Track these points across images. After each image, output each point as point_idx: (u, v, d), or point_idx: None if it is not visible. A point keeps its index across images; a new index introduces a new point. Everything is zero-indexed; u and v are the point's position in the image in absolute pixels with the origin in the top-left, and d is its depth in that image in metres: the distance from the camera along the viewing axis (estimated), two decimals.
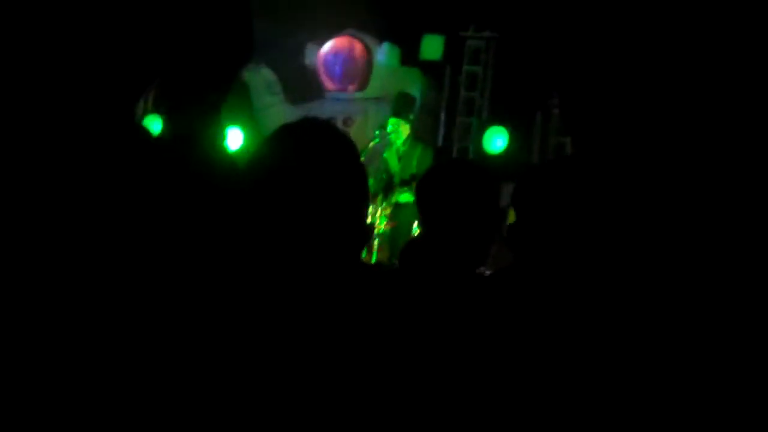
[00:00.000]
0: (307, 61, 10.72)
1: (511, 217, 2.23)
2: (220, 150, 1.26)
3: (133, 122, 1.08)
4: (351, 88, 10.54)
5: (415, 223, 7.70)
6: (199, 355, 1.22)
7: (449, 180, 2.49)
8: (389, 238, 7.57)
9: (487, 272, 2.85)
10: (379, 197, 7.63)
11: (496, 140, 9.25)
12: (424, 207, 2.53)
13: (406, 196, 7.74)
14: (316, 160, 1.70)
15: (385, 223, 7.63)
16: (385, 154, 7.90)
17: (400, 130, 7.71)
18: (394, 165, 7.82)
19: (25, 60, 0.91)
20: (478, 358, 2.05)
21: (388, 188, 7.77)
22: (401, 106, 7.83)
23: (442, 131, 10.42)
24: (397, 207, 7.70)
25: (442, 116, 10.48)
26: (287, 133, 1.77)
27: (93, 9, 0.90)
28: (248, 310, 1.44)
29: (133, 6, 0.89)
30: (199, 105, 1.29)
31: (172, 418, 1.17)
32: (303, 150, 1.71)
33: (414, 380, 1.86)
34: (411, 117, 7.82)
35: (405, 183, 7.77)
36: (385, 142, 7.91)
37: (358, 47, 10.52)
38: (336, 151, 1.75)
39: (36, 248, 0.92)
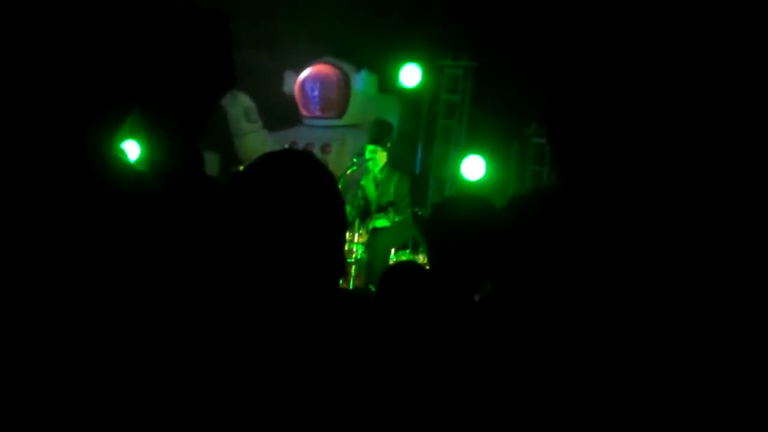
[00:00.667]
0: (286, 88, 10.75)
1: None
2: (203, 176, 1.26)
3: (108, 147, 1.08)
4: (329, 115, 10.56)
5: (392, 250, 7.71)
6: (177, 383, 1.21)
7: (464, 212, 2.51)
8: (366, 264, 7.58)
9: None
10: (356, 223, 7.64)
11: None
12: (435, 237, 2.55)
13: (382, 222, 7.76)
14: (295, 189, 1.70)
15: (361, 249, 7.64)
16: (362, 181, 7.92)
17: (377, 158, 7.74)
18: (371, 192, 7.85)
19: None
20: (457, 384, 2.06)
21: (364, 215, 7.79)
22: (379, 134, 7.86)
23: (419, 159, 10.47)
24: (374, 233, 7.71)
25: (420, 144, 10.53)
26: (268, 162, 1.77)
27: (74, 31, 0.90)
28: (225, 340, 1.44)
29: (114, 31, 0.89)
30: (178, 131, 1.29)
31: None
32: (283, 179, 1.71)
33: (392, 405, 1.86)
34: (389, 145, 7.85)
35: (382, 209, 7.79)
36: (363, 170, 7.93)
37: (336, 75, 10.56)
38: (315, 181, 1.75)
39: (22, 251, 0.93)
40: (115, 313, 1.06)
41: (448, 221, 2.51)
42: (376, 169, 7.81)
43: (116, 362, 1.06)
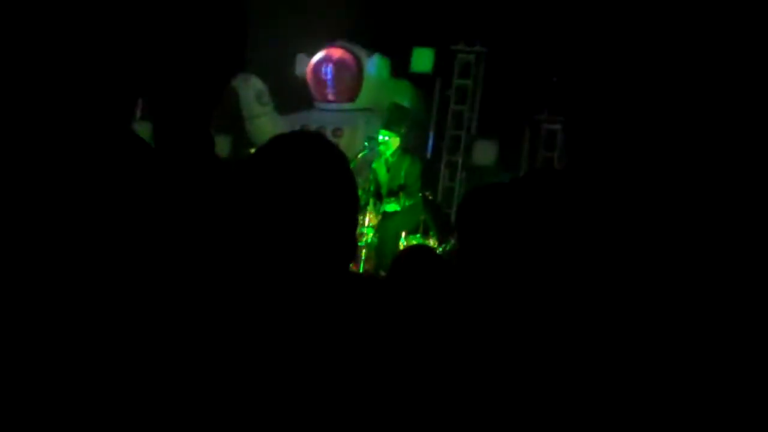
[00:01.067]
0: (298, 71, 10.74)
1: None
2: (214, 158, 1.27)
3: (128, 128, 1.09)
4: (341, 99, 10.55)
5: (403, 234, 7.71)
6: (186, 368, 1.22)
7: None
8: (376, 248, 7.59)
9: None
10: (368, 207, 7.64)
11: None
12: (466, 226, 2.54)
13: (393, 206, 7.75)
14: (308, 171, 1.71)
15: (372, 233, 7.64)
16: (374, 165, 7.91)
17: (389, 142, 7.72)
18: (382, 175, 7.84)
19: (21, 62, 0.93)
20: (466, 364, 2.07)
21: (376, 198, 7.78)
22: (394, 118, 7.85)
23: (431, 144, 10.46)
24: (385, 217, 7.70)
25: (431, 129, 10.52)
26: (280, 144, 1.78)
27: (87, 14, 0.91)
28: (236, 321, 1.45)
29: (127, 11, 0.90)
30: (191, 113, 1.30)
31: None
32: (295, 161, 1.72)
33: (402, 390, 1.87)
34: (402, 130, 7.83)
35: (392, 194, 7.79)
36: (374, 154, 7.93)
37: (348, 58, 10.54)
38: (328, 162, 1.76)
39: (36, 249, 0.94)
40: (129, 294, 1.07)
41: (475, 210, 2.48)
42: (388, 153, 7.80)
43: (128, 336, 1.07)
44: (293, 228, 1.69)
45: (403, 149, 7.90)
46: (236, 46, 1.20)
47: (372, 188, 7.76)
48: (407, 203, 7.71)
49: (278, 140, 1.82)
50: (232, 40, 1.19)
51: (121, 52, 1.08)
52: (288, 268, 1.67)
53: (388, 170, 7.82)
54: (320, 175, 1.74)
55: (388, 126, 7.82)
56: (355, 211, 1.84)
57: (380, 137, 7.79)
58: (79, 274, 1.03)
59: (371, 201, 7.67)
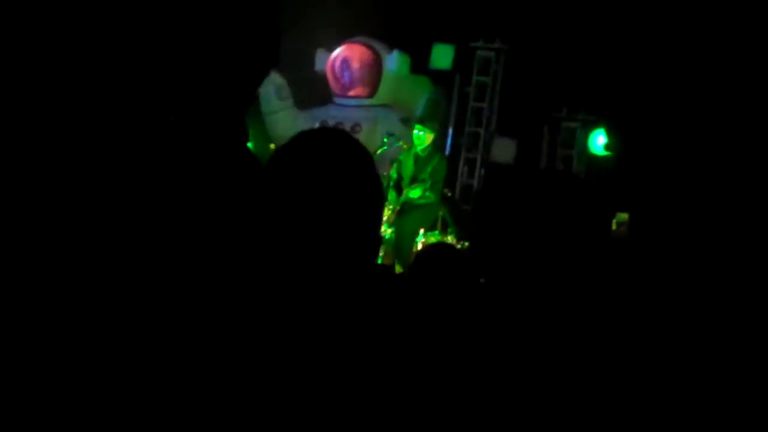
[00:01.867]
0: (317, 66, 10.75)
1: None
2: (246, 152, 1.28)
3: (161, 123, 1.10)
4: (360, 94, 10.55)
5: (420, 231, 7.71)
6: (209, 360, 1.23)
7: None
8: (393, 244, 7.59)
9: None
10: (388, 200, 7.61)
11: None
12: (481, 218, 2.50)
13: (417, 192, 7.65)
14: (333, 168, 1.71)
15: (390, 229, 7.64)
16: (401, 157, 7.88)
17: (423, 137, 7.67)
18: (408, 167, 7.78)
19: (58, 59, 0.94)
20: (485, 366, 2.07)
21: (396, 190, 7.74)
22: (429, 113, 7.84)
23: (450, 140, 10.46)
24: (402, 212, 7.66)
25: (451, 126, 10.52)
26: (305, 140, 1.78)
27: (128, 11, 0.92)
28: (261, 315, 1.46)
29: (166, 7, 0.91)
30: (227, 107, 1.30)
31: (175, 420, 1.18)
32: (321, 158, 1.72)
33: (425, 385, 1.88)
34: (436, 125, 7.78)
35: (415, 181, 7.70)
36: (393, 149, 7.92)
37: (368, 54, 10.55)
38: (353, 159, 1.76)
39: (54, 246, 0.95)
40: (158, 283, 1.08)
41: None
42: (420, 148, 7.75)
43: (158, 318, 1.08)
44: (319, 224, 1.70)
45: (434, 147, 7.86)
46: (270, 43, 1.21)
47: (392, 182, 7.74)
48: (428, 196, 7.68)
49: (304, 136, 1.82)
50: (267, 37, 1.20)
51: (159, 47, 1.09)
52: (314, 264, 1.68)
53: (416, 163, 7.78)
54: (346, 171, 1.75)
55: (423, 120, 7.80)
56: (380, 208, 1.84)
57: (415, 131, 7.73)
58: (110, 267, 1.04)
59: (391, 194, 7.65)
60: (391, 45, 10.49)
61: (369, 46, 10.56)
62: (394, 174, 7.76)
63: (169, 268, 1.08)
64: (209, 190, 1.14)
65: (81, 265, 1.03)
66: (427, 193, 7.66)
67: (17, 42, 1.03)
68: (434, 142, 7.92)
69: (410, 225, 7.64)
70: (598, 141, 9.48)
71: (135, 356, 1.09)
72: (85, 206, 1.04)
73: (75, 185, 1.04)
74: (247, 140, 1.31)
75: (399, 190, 7.76)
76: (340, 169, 1.75)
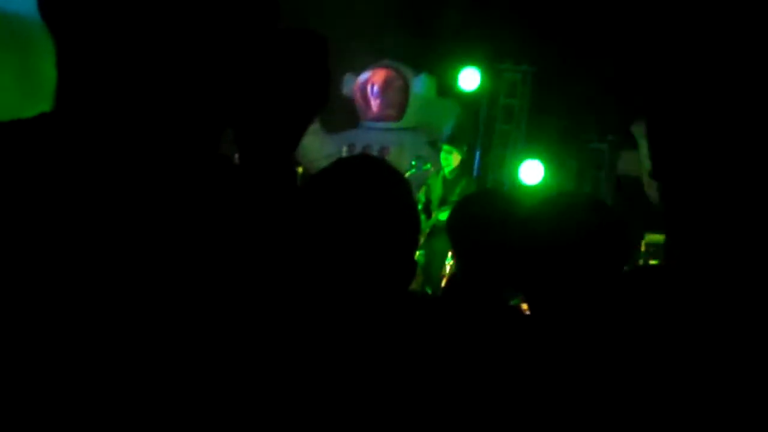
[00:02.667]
0: (345, 90, 10.80)
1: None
2: (295, 189, 1.30)
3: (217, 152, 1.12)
4: (387, 118, 10.60)
5: (449, 253, 7.71)
6: (238, 384, 1.24)
7: (480, 211, 2.45)
8: (423, 267, 7.59)
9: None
10: None
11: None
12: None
13: (446, 214, 7.65)
14: (371, 194, 1.73)
15: (418, 253, 7.64)
16: (429, 180, 7.90)
17: (450, 158, 7.70)
18: (437, 190, 7.81)
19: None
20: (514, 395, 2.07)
21: (425, 214, 7.76)
22: (456, 136, 7.87)
23: (477, 163, 10.47)
24: (432, 236, 7.68)
25: (478, 148, 10.53)
26: (344, 168, 1.80)
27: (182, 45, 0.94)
28: (297, 339, 1.47)
29: (220, 45, 0.93)
30: (276, 145, 1.32)
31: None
32: (359, 184, 1.74)
33: (456, 411, 1.89)
34: (465, 147, 7.81)
35: (444, 203, 7.72)
36: (421, 173, 7.94)
37: (395, 77, 10.60)
38: (391, 185, 1.78)
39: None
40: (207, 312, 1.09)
41: (465, 219, 2.46)
42: (448, 170, 7.78)
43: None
44: (357, 250, 1.71)
45: (461, 169, 7.88)
46: (321, 82, 1.23)
47: (421, 205, 7.76)
48: None
49: (342, 163, 1.84)
50: (318, 77, 1.23)
51: (214, 84, 1.11)
52: (352, 289, 1.70)
53: (444, 186, 7.80)
54: (383, 199, 1.77)
55: (451, 141, 7.82)
56: (416, 233, 1.86)
57: (443, 153, 7.76)
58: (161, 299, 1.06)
59: (421, 217, 7.65)
60: (418, 68, 10.54)
61: (396, 70, 10.61)
62: (422, 197, 7.77)
63: (211, 293, 1.10)
64: (257, 223, 1.16)
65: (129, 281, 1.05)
66: None
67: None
68: (462, 164, 7.93)
69: (440, 247, 7.64)
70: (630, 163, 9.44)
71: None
72: (141, 236, 1.06)
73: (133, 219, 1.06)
74: (296, 180, 1.34)
75: (428, 213, 7.77)
76: (378, 195, 1.77)
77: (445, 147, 7.77)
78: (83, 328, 0.99)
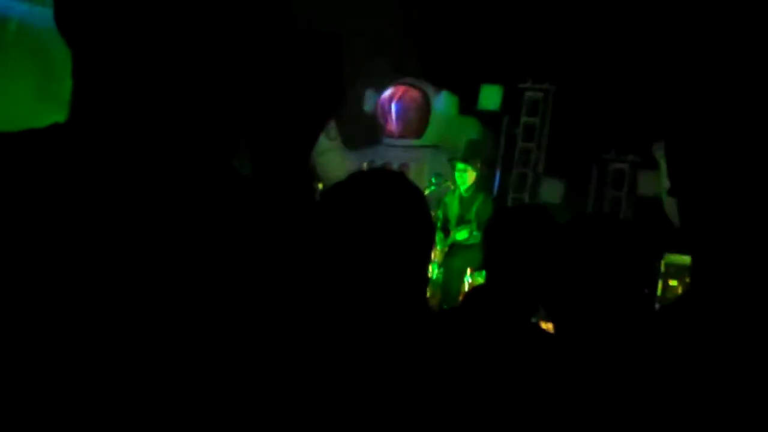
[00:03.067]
0: (366, 107, 10.84)
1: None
2: (310, 196, 1.30)
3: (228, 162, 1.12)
4: (408, 135, 10.61)
5: (468, 271, 7.70)
6: (252, 392, 1.24)
7: (518, 225, 2.46)
8: (441, 284, 7.58)
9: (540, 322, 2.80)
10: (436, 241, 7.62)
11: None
12: (489, 251, 2.51)
13: (463, 233, 7.67)
14: (387, 208, 1.74)
15: (437, 269, 7.64)
16: (446, 199, 7.91)
17: (466, 176, 7.70)
18: (454, 208, 7.81)
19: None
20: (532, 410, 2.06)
21: (443, 232, 7.77)
22: (472, 152, 7.86)
23: (497, 181, 10.46)
24: (450, 253, 7.68)
25: (498, 166, 10.52)
26: (359, 181, 1.80)
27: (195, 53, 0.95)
28: (310, 350, 1.47)
29: (233, 51, 0.93)
30: (291, 151, 1.32)
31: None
32: (376, 197, 1.75)
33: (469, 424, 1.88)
34: (478, 164, 7.81)
35: (461, 222, 7.73)
36: (441, 190, 7.94)
37: (416, 95, 10.62)
38: (407, 199, 1.78)
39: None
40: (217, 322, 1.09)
41: (505, 230, 2.46)
42: (463, 188, 7.78)
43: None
44: (371, 263, 1.71)
45: (477, 186, 7.88)
46: (335, 88, 1.24)
47: (440, 223, 7.76)
48: (475, 236, 7.69)
49: (360, 176, 1.85)
50: (332, 83, 1.23)
51: (227, 91, 1.12)
52: (365, 302, 1.70)
53: (461, 203, 7.81)
54: (400, 214, 1.77)
55: (466, 159, 7.82)
56: (430, 247, 1.86)
57: (457, 169, 7.77)
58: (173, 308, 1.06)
59: (439, 235, 7.66)
60: (440, 86, 10.56)
61: (417, 87, 10.63)
62: (440, 215, 7.77)
63: (226, 300, 1.10)
64: (272, 228, 1.16)
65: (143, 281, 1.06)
66: (474, 233, 7.65)
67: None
68: (477, 182, 7.92)
69: (458, 265, 7.63)
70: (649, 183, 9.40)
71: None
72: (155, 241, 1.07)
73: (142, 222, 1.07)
74: (313, 182, 1.34)
75: (446, 231, 7.78)
76: (395, 209, 1.77)
77: (459, 165, 7.76)
78: (96, 331, 1.00)
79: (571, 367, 2.03)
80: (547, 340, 2.26)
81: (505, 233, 2.44)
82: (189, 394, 1.02)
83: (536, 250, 2.34)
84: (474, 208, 7.68)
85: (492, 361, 2.11)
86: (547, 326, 2.56)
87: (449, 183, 8.04)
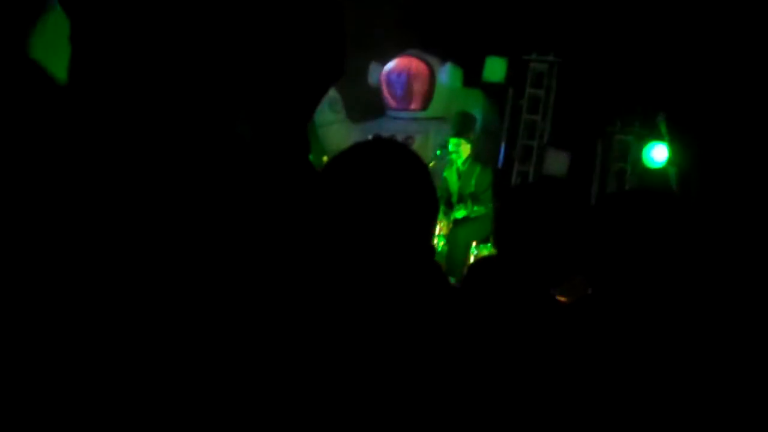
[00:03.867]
0: (370, 80, 10.79)
1: None
2: (307, 163, 1.30)
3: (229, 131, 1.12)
4: (413, 107, 10.58)
5: (473, 243, 7.70)
6: (257, 365, 1.25)
7: (531, 199, 2.44)
8: (446, 256, 7.59)
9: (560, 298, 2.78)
10: (438, 216, 7.59)
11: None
12: (502, 225, 2.49)
13: (461, 212, 7.73)
14: (388, 178, 1.74)
15: (443, 242, 7.64)
16: (444, 173, 7.92)
17: (461, 150, 7.72)
18: (453, 183, 7.84)
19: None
20: (541, 384, 2.06)
21: (447, 206, 7.79)
22: (462, 126, 7.85)
23: (502, 153, 10.43)
24: (455, 225, 7.70)
25: (503, 138, 10.49)
26: (361, 151, 1.80)
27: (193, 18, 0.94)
28: (314, 318, 1.48)
29: (232, 16, 0.92)
30: (290, 117, 1.31)
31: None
32: (376, 168, 1.74)
33: (475, 397, 1.88)
34: (472, 137, 7.82)
35: (461, 200, 7.77)
36: (446, 162, 7.94)
37: (421, 67, 10.57)
38: (409, 168, 1.78)
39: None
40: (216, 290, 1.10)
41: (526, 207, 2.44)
42: (459, 162, 7.80)
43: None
44: (374, 233, 1.72)
45: (474, 157, 7.89)
46: (336, 55, 1.24)
47: (443, 196, 7.76)
48: (476, 209, 7.70)
49: (360, 146, 1.84)
50: (333, 49, 1.23)
51: (226, 56, 1.12)
52: (368, 272, 1.70)
53: (459, 178, 7.83)
54: (401, 182, 1.77)
55: (458, 133, 7.82)
56: (434, 218, 1.86)
57: (451, 145, 7.79)
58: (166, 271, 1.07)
59: (441, 209, 7.66)
60: (444, 58, 10.50)
61: (422, 59, 10.58)
62: (444, 194, 7.78)
63: (224, 271, 1.11)
64: (269, 199, 1.16)
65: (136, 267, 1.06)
66: (475, 208, 7.67)
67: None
68: (475, 154, 7.93)
69: (463, 237, 7.64)
70: (655, 155, 9.36)
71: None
72: (143, 210, 1.07)
73: (139, 190, 1.07)
74: (309, 152, 1.34)
75: (449, 205, 7.79)
76: (396, 177, 1.77)
77: (453, 140, 7.78)
78: (94, 322, 1.00)
79: (585, 342, 2.04)
80: (561, 313, 2.26)
81: (522, 207, 2.42)
82: (192, 381, 1.03)
83: (555, 224, 2.32)
84: (472, 181, 7.70)
85: (506, 334, 2.12)
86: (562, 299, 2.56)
87: (454, 155, 8.03)
